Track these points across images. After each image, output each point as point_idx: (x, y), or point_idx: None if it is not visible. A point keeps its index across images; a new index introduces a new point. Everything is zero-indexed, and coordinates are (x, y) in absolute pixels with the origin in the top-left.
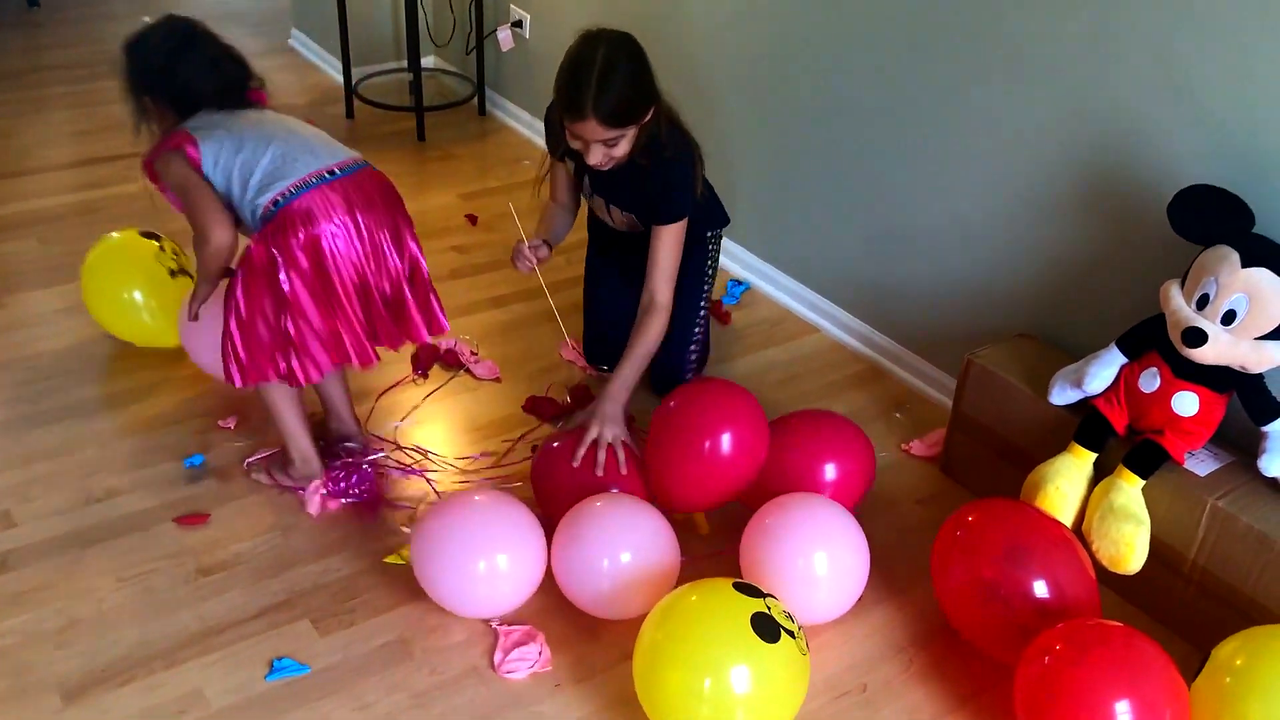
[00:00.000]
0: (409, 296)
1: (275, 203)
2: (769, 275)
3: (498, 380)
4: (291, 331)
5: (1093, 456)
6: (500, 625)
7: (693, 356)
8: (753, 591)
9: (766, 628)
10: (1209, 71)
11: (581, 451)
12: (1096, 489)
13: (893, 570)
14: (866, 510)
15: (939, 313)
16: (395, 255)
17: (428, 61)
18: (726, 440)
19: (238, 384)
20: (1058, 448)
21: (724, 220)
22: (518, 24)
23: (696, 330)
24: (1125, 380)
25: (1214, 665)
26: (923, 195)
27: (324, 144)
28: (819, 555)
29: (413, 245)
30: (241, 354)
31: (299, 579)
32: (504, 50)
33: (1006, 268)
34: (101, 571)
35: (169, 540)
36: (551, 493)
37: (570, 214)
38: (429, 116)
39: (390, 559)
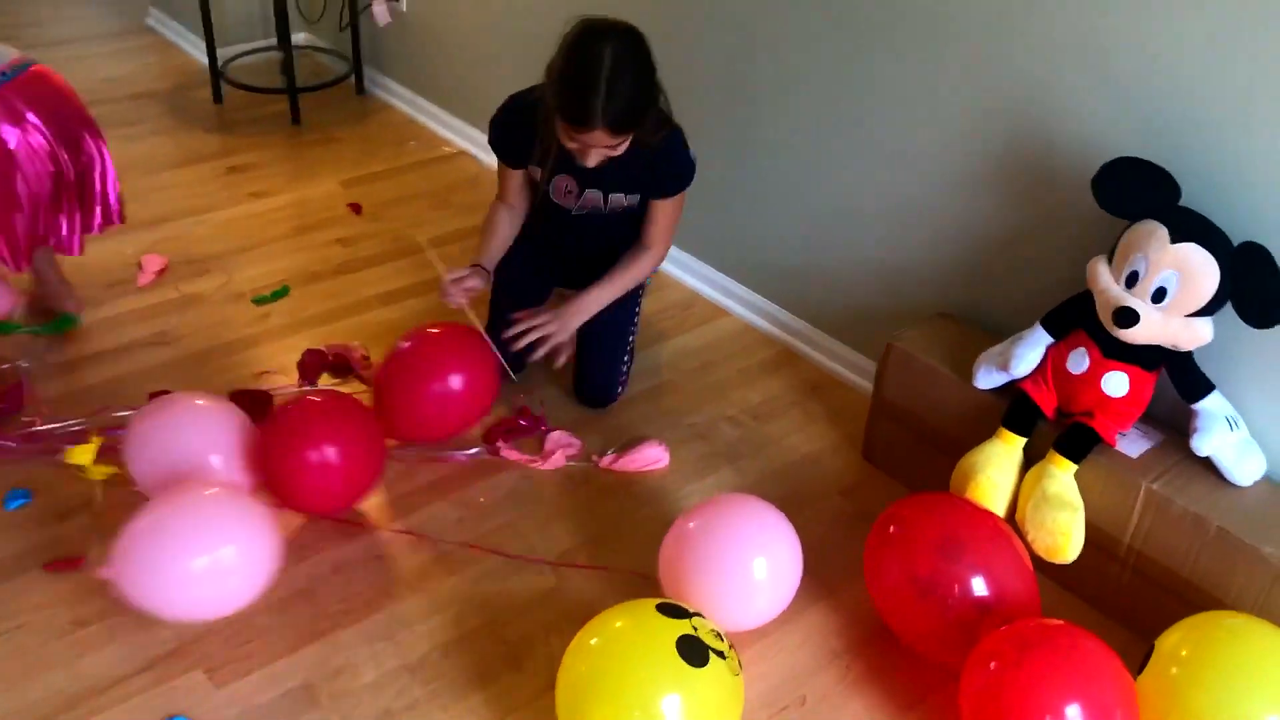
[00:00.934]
0: (91, 189)
1: None
2: (673, 257)
3: None
4: None
5: (1022, 441)
6: None
7: (624, 367)
8: (677, 612)
9: (694, 651)
10: (1125, 38)
11: (522, 327)
12: (1028, 476)
13: (823, 568)
14: (790, 503)
15: (852, 293)
16: (70, 151)
17: (299, 39)
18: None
19: None
20: (984, 432)
21: None
22: None
23: (630, 341)
24: (1052, 361)
25: (1159, 657)
26: (832, 171)
27: None
28: (758, 560)
29: (90, 142)
30: None
31: (189, 624)
32: (380, 25)
33: (921, 245)
34: None
35: (36, 590)
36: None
37: (520, 217)
38: (304, 98)
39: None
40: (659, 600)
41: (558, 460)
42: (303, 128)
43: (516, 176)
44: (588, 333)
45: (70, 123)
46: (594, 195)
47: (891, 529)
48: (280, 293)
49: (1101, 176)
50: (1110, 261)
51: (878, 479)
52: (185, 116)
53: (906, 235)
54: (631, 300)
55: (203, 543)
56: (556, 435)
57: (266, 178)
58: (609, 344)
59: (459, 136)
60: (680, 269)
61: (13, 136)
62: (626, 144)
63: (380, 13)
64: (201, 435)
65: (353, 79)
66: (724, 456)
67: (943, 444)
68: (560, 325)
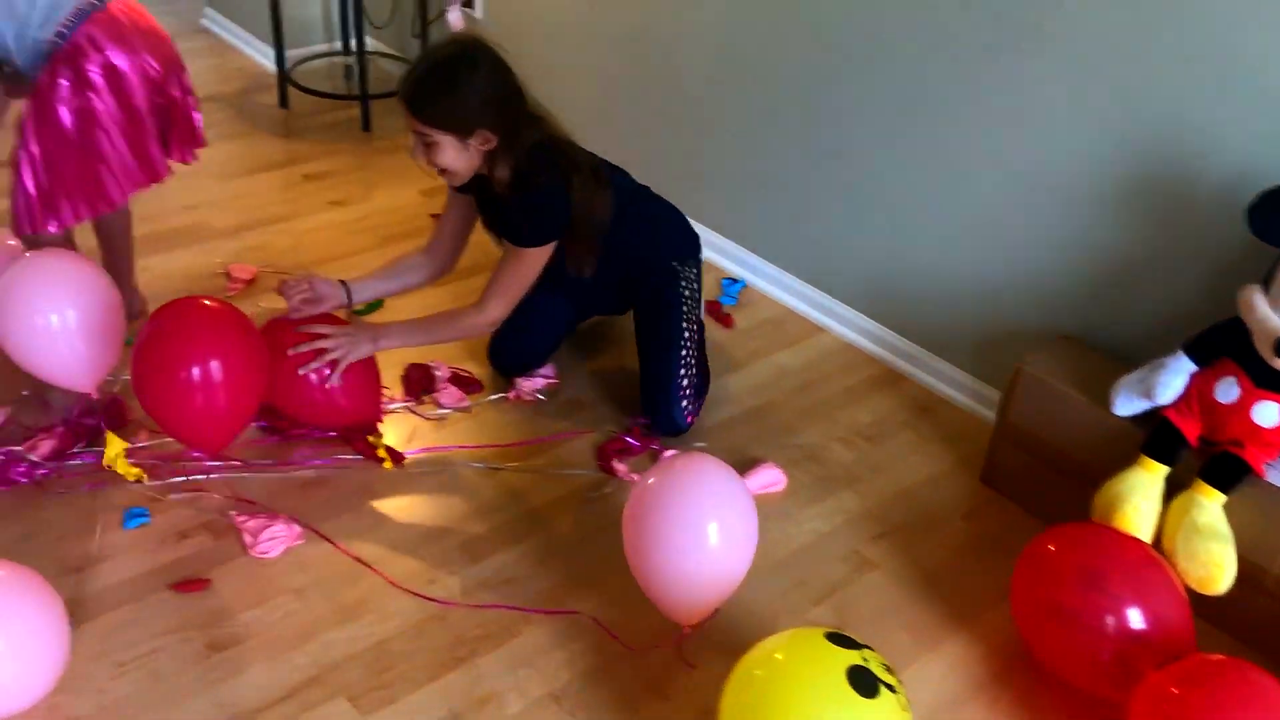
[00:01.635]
0: (188, 113)
1: (60, 34)
2: (765, 272)
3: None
4: (105, 147)
5: (1165, 470)
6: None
7: (684, 385)
8: (847, 642)
9: (864, 682)
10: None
11: (304, 347)
12: (1173, 506)
13: (956, 596)
14: (913, 528)
15: (962, 313)
16: (171, 74)
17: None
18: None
19: (26, 229)
20: (1119, 460)
21: (690, 249)
22: (469, 3)
23: (682, 366)
24: (1197, 389)
25: None
26: (939, 184)
27: None
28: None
29: (182, 73)
30: (34, 198)
31: (325, 648)
32: (453, 31)
33: (1035, 264)
34: (94, 656)
35: (167, 613)
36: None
37: (431, 260)
38: (372, 104)
39: None
40: (827, 630)
41: None
42: (373, 135)
43: (456, 204)
44: (640, 351)
45: (168, 51)
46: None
47: (1042, 558)
48: (375, 305)
49: (1260, 205)
50: (1268, 290)
51: (999, 504)
52: (253, 121)
53: (1025, 254)
54: (673, 323)
55: None
56: (671, 454)
57: (343, 186)
58: (655, 373)
59: None
60: (770, 283)
61: (123, 60)
62: (446, 152)
63: (454, 19)
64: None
65: None
66: (840, 479)
67: (1073, 470)
68: (349, 347)
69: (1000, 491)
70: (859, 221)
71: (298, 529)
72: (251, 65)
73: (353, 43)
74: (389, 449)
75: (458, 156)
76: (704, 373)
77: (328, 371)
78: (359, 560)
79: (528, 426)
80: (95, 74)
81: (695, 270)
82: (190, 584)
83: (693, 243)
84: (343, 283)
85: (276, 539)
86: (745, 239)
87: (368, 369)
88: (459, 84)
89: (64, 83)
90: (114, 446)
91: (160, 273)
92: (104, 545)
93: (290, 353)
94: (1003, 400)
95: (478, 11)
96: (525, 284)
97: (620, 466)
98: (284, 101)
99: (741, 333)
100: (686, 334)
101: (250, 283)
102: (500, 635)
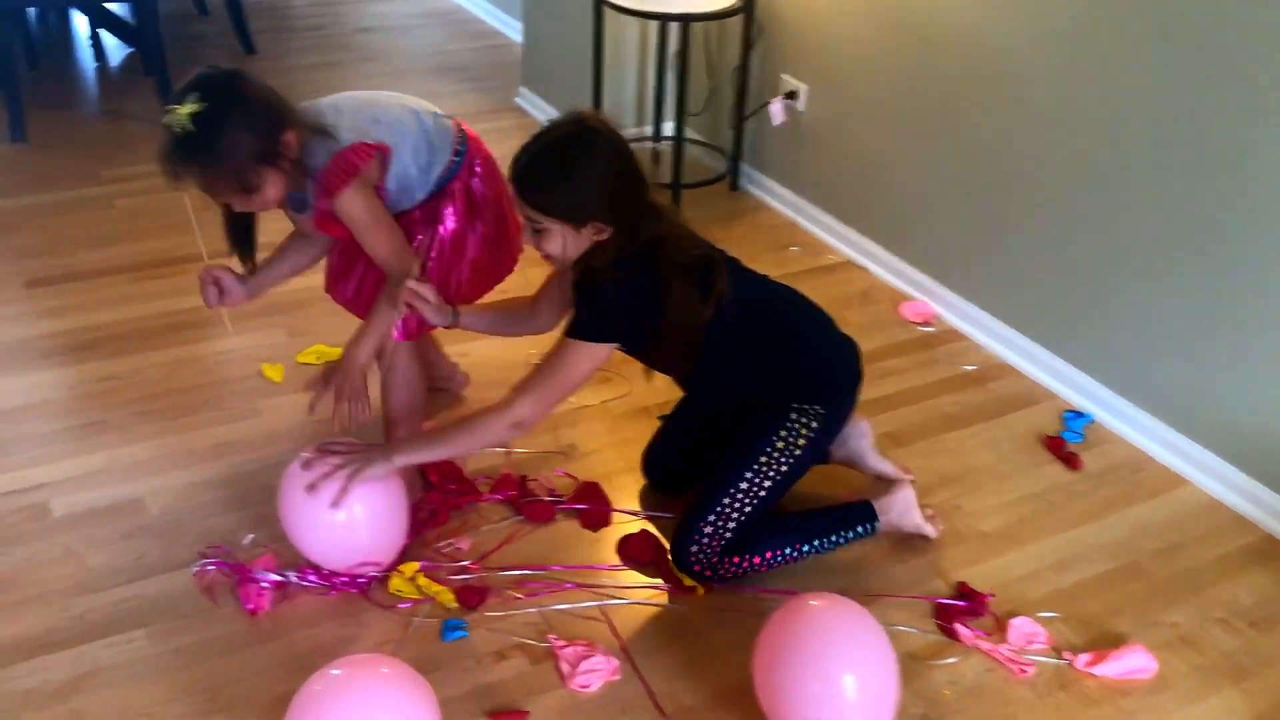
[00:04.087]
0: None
1: (450, 167)
2: (1113, 406)
3: None
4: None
5: None
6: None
7: (708, 531)
8: None
9: None
10: None
11: (324, 467)
12: None
13: None
14: None
15: None
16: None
17: (668, 128)
18: None
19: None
20: None
21: (824, 394)
22: (792, 95)
23: (717, 512)
24: None
25: None
26: None
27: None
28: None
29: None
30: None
31: None
32: (775, 124)
33: None
34: None
35: None
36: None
37: (535, 315)
38: (683, 193)
39: None
40: None
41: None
42: (738, 196)
43: (554, 282)
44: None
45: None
46: None
47: None
48: None
49: None
50: None
51: None
52: None
53: None
54: (751, 450)
55: None
56: (1021, 621)
57: None
58: (706, 487)
59: (845, 244)
60: (1124, 422)
61: (451, 225)
62: (553, 240)
63: (776, 112)
64: None
65: (727, 175)
66: (1224, 672)
67: None
68: (362, 463)
69: None
70: (1236, 358)
71: (615, 663)
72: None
73: (663, 128)
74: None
75: (568, 245)
76: (755, 537)
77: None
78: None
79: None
80: (480, 190)
81: (818, 422)
82: (509, 715)
83: (833, 387)
84: (452, 306)
85: (596, 671)
86: (1091, 366)
87: (390, 499)
88: (574, 170)
89: (467, 210)
90: (400, 581)
91: (478, 359)
92: (421, 656)
93: (296, 467)
94: None
95: (800, 104)
96: (564, 386)
97: (965, 632)
98: None
99: (1092, 476)
100: (746, 484)
101: None
102: None
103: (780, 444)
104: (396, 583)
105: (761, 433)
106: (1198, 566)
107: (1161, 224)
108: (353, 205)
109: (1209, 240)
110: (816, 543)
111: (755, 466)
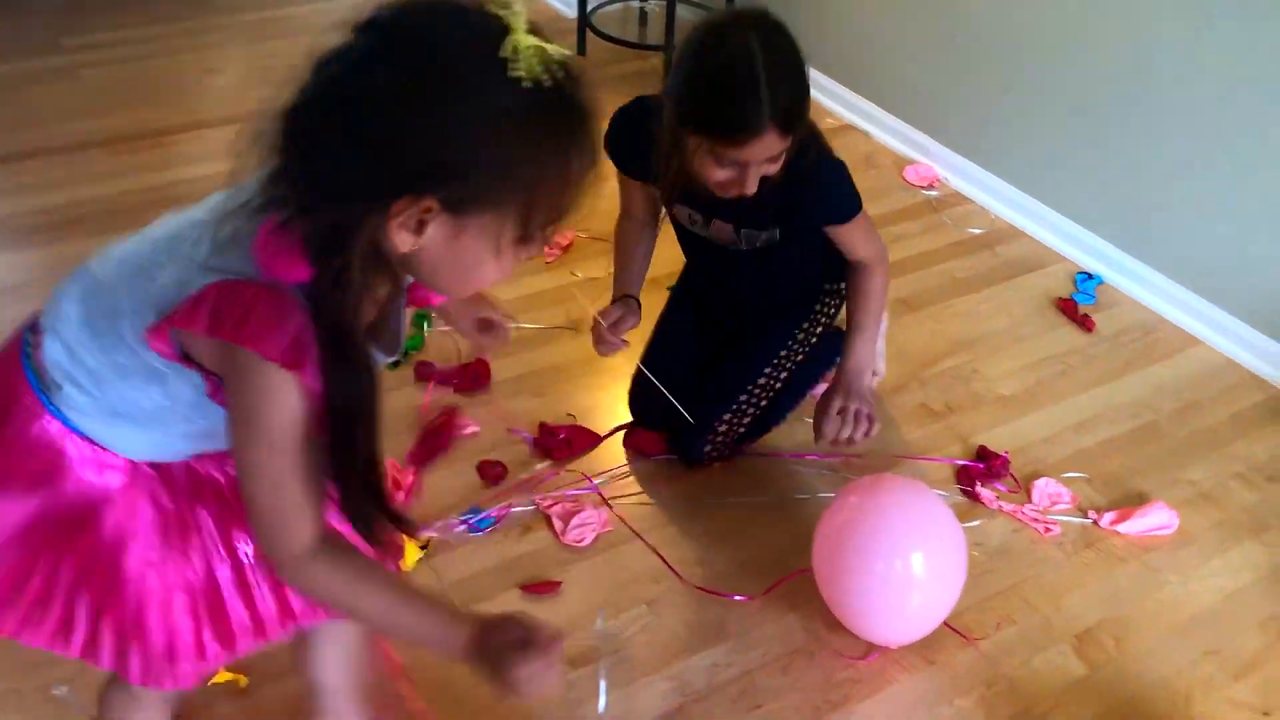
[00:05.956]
0: None
1: None
2: (1125, 267)
3: None
4: None
5: None
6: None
7: (724, 425)
8: None
9: None
10: None
11: (836, 432)
12: None
13: None
14: None
15: None
16: None
17: None
18: None
19: None
20: None
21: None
22: None
23: (738, 404)
24: None
25: None
26: None
27: None
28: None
29: None
30: None
31: (685, 677)
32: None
33: None
34: None
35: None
36: None
37: (652, 231)
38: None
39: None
40: None
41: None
42: None
43: (639, 189)
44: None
45: None
46: (723, 228)
47: None
48: (415, 341)
49: None
50: None
51: None
52: None
53: None
54: (774, 343)
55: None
56: (1044, 483)
57: None
58: (721, 377)
59: (845, 108)
60: (1135, 282)
61: None
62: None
63: None
64: None
65: None
66: (1245, 527)
67: None
68: (860, 398)
69: None
70: (1253, 213)
71: (604, 515)
72: (546, 9)
73: None
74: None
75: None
76: (762, 422)
77: None
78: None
79: None
80: None
81: (838, 307)
82: (541, 586)
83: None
84: (628, 296)
85: (587, 525)
86: (1101, 225)
87: None
88: (797, 65)
89: None
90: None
91: None
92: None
93: (828, 438)
94: None
95: None
96: (874, 236)
97: (987, 494)
98: (582, 48)
99: (1105, 339)
100: (770, 369)
101: (568, 248)
102: (873, 680)
103: (800, 335)
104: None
105: (797, 312)
106: (1214, 425)
107: (1164, 73)
108: None
109: (1229, 99)
110: (796, 395)
111: (782, 353)
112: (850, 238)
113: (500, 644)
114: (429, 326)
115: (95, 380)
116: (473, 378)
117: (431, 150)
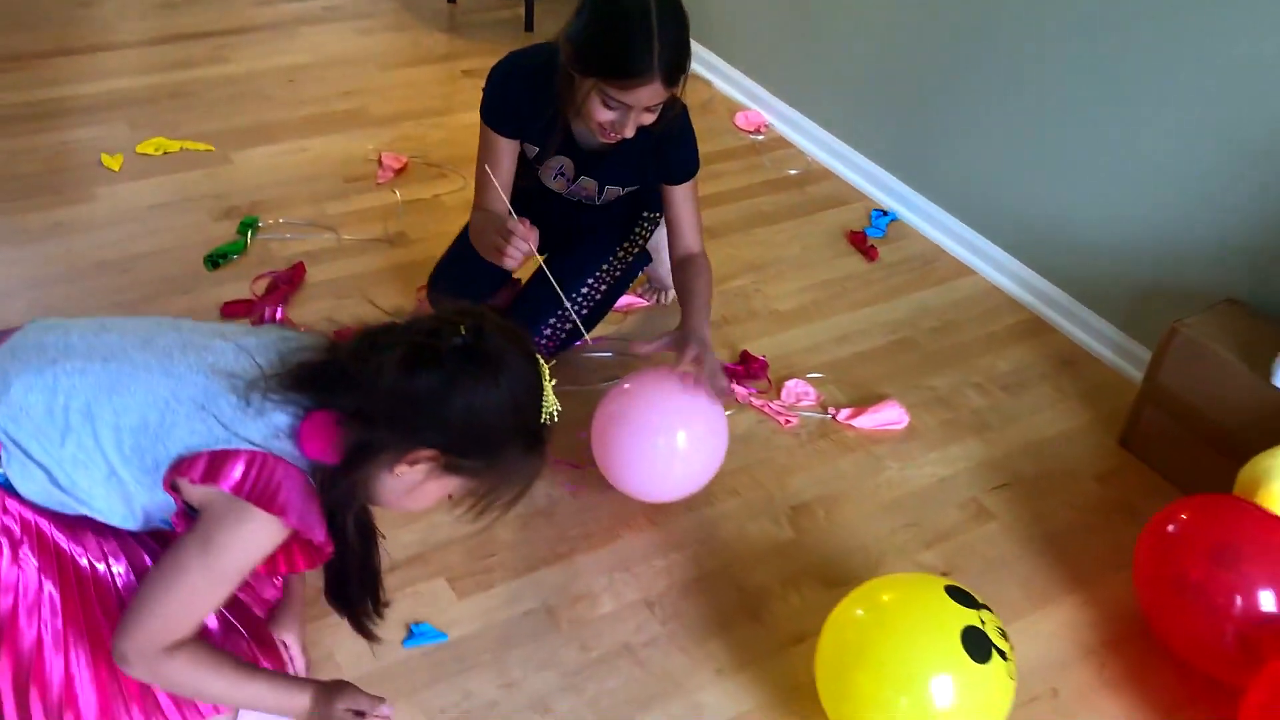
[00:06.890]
0: None
1: None
2: (917, 206)
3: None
4: None
5: None
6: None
7: (547, 331)
8: (967, 600)
9: (978, 645)
10: None
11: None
12: None
13: (1078, 557)
14: (1041, 484)
15: (1120, 265)
16: None
17: None
18: None
19: None
20: (1272, 434)
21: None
22: None
23: (584, 289)
24: None
25: None
26: (1116, 127)
27: None
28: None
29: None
30: None
31: (433, 530)
32: None
33: (1208, 222)
34: None
35: None
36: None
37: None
38: (538, 5)
39: None
40: (948, 583)
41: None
42: (535, 35)
43: (508, 154)
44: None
45: None
46: (589, 184)
47: (1171, 527)
48: None
49: None
50: None
51: (1135, 468)
52: (418, 14)
53: (1194, 208)
54: (597, 255)
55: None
56: (794, 383)
57: None
58: (544, 285)
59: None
60: (924, 219)
61: None
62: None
63: None
64: None
65: None
66: (969, 426)
67: (1220, 441)
68: (706, 357)
69: (1138, 455)
70: (1024, 160)
71: None
72: None
73: None
74: None
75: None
76: (577, 332)
77: None
78: None
79: None
80: None
81: (651, 231)
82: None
83: None
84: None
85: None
86: (899, 168)
87: None
88: (683, 18)
89: None
90: None
91: (318, 153)
92: None
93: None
94: (1153, 360)
95: None
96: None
97: (743, 392)
98: None
99: (885, 266)
100: (593, 280)
101: (400, 171)
102: (600, 537)
103: (620, 254)
104: None
105: (621, 231)
106: (967, 342)
107: (967, 38)
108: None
109: (1007, 53)
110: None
111: (606, 263)
112: (688, 206)
113: (337, 715)
114: (253, 235)
115: (44, 451)
116: (289, 280)
117: (475, 437)
